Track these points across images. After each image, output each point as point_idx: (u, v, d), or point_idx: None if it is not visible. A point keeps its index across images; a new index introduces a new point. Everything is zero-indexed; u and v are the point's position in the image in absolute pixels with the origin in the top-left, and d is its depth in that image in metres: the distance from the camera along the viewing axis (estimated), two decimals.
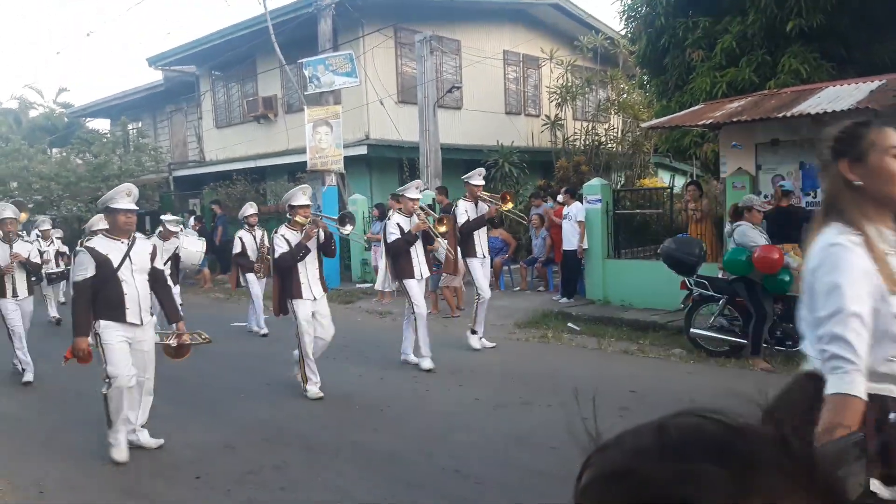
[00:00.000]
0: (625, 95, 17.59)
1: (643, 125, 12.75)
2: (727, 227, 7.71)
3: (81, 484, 4.63)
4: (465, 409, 5.86)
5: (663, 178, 17.89)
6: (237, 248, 9.74)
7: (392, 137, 14.95)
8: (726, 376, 6.47)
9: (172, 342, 5.26)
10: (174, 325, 5.34)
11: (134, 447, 5.11)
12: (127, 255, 4.90)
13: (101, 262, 4.81)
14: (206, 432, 5.57)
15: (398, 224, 7.20)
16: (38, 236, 10.42)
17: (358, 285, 13.32)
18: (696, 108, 9.54)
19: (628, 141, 17.13)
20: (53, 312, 11.47)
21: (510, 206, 8.16)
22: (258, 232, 9.85)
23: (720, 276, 7.51)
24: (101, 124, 26.49)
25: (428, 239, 7.50)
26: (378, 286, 7.52)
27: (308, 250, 6.29)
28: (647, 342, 7.98)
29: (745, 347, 6.90)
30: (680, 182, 15.89)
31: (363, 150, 14.78)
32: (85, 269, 4.79)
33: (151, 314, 5.14)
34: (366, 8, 14.50)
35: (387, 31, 15.07)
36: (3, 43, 59.26)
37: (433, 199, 12.24)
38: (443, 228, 7.47)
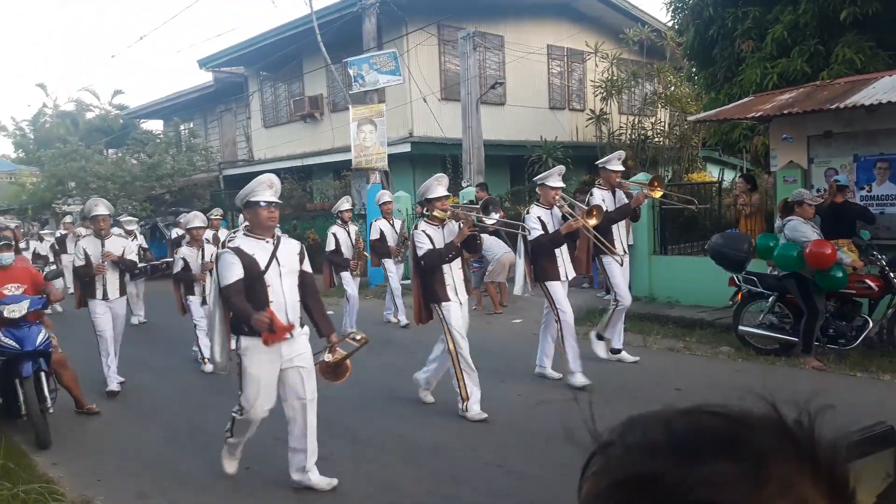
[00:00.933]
0: (672, 88, 17.28)
1: (691, 118, 12.51)
2: (777, 223, 7.53)
3: (137, 471, 4.81)
4: (508, 404, 5.87)
5: (712, 173, 17.52)
6: (331, 245, 9.23)
7: (435, 134, 15.02)
8: (776, 375, 6.33)
9: (328, 357, 4.45)
10: (326, 337, 4.46)
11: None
12: (274, 255, 4.19)
13: (248, 264, 4.09)
14: None
15: (539, 217, 6.32)
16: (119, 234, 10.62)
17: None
18: (746, 100, 9.33)
19: (675, 135, 16.82)
20: (139, 313, 11.07)
21: (660, 193, 7.10)
22: (352, 227, 9.43)
23: (770, 272, 7.34)
24: (155, 125, 27.31)
25: (573, 235, 6.39)
26: (517, 291, 6.68)
27: (460, 250, 5.56)
28: (693, 340, 7.85)
29: (796, 346, 6.74)
30: (729, 176, 15.55)
31: (407, 148, 14.89)
32: (232, 270, 4.08)
33: (302, 325, 4.34)
34: (409, 6, 14.59)
35: (430, 28, 15.14)
36: (61, 47, 61.47)
37: (475, 196, 12.24)
38: (593, 221, 6.33)
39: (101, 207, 6.86)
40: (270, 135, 19.44)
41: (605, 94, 16.32)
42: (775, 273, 7.12)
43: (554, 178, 6.45)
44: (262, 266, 4.13)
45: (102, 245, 6.82)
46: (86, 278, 6.77)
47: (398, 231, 9.75)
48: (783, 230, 6.84)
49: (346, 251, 9.23)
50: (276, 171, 17.64)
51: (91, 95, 30.62)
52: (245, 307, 3.98)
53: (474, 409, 5.46)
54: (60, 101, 32.53)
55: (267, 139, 19.52)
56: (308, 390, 4.27)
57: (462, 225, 5.50)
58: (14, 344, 5.36)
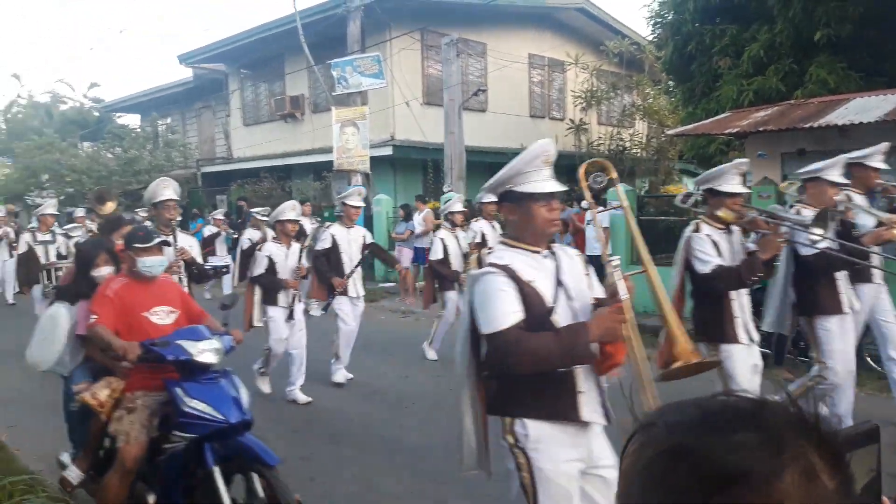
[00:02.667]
0: (650, 101, 17.60)
1: (669, 132, 12.79)
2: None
3: None
4: None
5: (688, 185, 17.86)
6: (437, 254, 7.50)
7: (417, 139, 15.11)
8: None
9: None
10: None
11: None
12: (558, 279, 2.48)
13: (527, 295, 2.38)
14: None
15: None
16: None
17: (381, 284, 13.49)
18: (723, 116, 9.59)
19: (653, 147, 17.15)
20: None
21: None
22: (464, 233, 7.66)
23: None
24: (132, 119, 27.00)
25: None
26: (769, 326, 4.93)
27: (763, 271, 3.90)
28: None
29: (769, 357, 6.95)
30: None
31: (388, 151, 14.97)
32: (505, 304, 2.34)
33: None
34: (394, 10, 14.69)
35: (414, 33, 15.24)
36: (39, 37, 60.41)
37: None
38: None
39: (170, 191, 5.24)
40: (250, 133, 19.36)
41: (584, 104, 16.58)
42: None
43: (833, 172, 4.52)
44: (549, 299, 2.42)
45: (175, 240, 5.22)
46: None
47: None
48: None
49: (455, 260, 7.52)
50: (256, 170, 17.70)
51: (66, 87, 30.19)
52: (552, 345, 2.29)
53: None
54: (35, 92, 32.02)
55: (246, 137, 19.44)
56: None
57: (766, 237, 3.87)
58: (212, 412, 3.22)
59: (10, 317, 10.95)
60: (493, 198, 8.01)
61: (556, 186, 2.51)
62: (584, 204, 10.96)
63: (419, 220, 12.17)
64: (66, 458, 3.96)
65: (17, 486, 3.77)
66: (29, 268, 7.97)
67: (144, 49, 66.69)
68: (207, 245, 12.69)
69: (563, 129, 17.42)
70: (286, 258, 6.22)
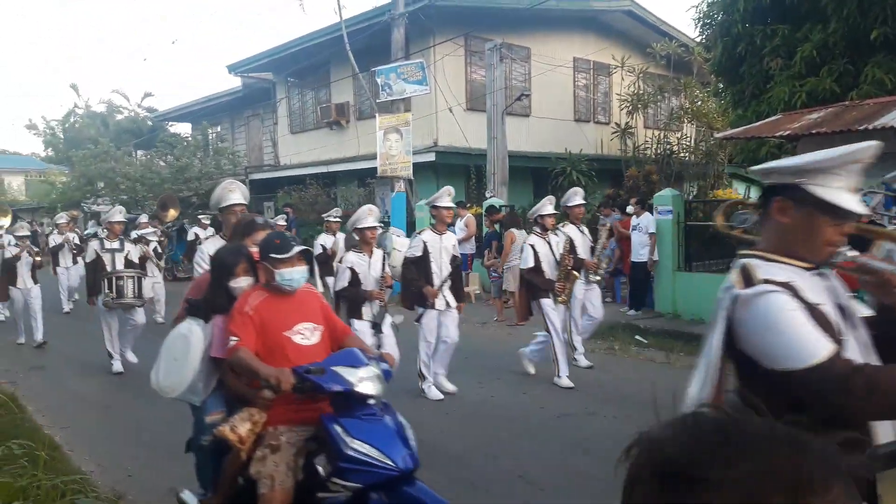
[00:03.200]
0: (699, 103, 17.25)
1: (718, 135, 12.50)
2: None
3: (166, 468, 4.92)
4: (529, 416, 5.93)
5: (738, 190, 17.43)
6: (528, 262, 6.91)
7: (460, 144, 15.13)
8: None
9: None
10: None
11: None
12: (838, 302, 1.86)
13: (819, 322, 1.72)
14: None
15: None
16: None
17: None
18: (773, 118, 9.32)
19: (701, 150, 16.78)
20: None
21: None
22: (555, 237, 7.05)
23: None
24: (183, 128, 27.79)
25: None
26: None
27: None
28: None
29: None
30: (755, 194, 15.46)
31: (431, 157, 15.02)
32: (811, 328, 1.68)
33: None
34: (437, 17, 14.76)
35: (457, 39, 15.28)
36: (95, 50, 62.69)
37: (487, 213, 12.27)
38: None
39: (237, 194, 4.69)
40: (297, 141, 19.68)
41: (630, 107, 16.34)
42: None
43: None
44: (838, 328, 1.80)
45: None
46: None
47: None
48: None
49: (548, 269, 6.96)
50: (302, 177, 17.96)
51: (121, 97, 31.27)
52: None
53: None
54: (92, 101, 33.20)
55: (293, 145, 19.77)
56: None
57: None
58: (380, 456, 2.75)
59: (64, 324, 11.33)
60: (579, 200, 7.07)
61: (863, 208, 1.89)
62: (629, 209, 10.82)
63: (460, 226, 12.17)
64: (189, 497, 3.47)
65: (69, 485, 3.88)
66: (95, 276, 7.95)
67: (196, 59, 68.52)
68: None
69: (608, 133, 17.23)
70: (369, 268, 5.77)
